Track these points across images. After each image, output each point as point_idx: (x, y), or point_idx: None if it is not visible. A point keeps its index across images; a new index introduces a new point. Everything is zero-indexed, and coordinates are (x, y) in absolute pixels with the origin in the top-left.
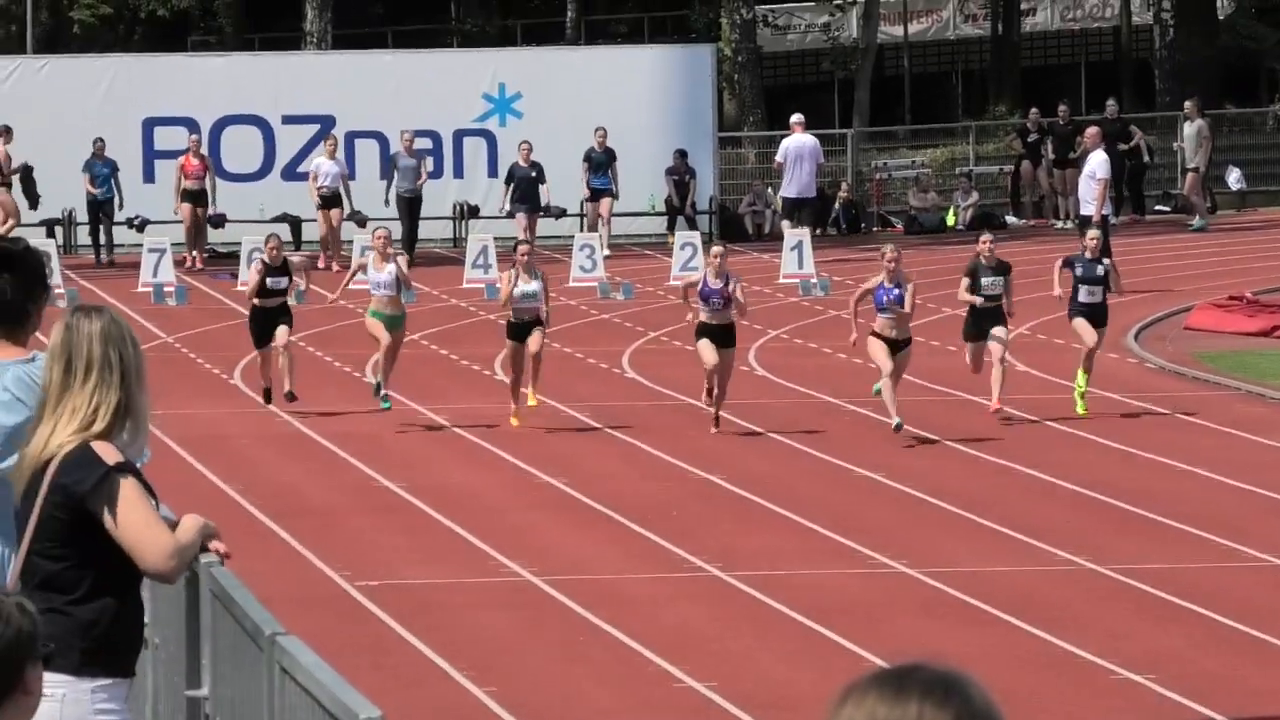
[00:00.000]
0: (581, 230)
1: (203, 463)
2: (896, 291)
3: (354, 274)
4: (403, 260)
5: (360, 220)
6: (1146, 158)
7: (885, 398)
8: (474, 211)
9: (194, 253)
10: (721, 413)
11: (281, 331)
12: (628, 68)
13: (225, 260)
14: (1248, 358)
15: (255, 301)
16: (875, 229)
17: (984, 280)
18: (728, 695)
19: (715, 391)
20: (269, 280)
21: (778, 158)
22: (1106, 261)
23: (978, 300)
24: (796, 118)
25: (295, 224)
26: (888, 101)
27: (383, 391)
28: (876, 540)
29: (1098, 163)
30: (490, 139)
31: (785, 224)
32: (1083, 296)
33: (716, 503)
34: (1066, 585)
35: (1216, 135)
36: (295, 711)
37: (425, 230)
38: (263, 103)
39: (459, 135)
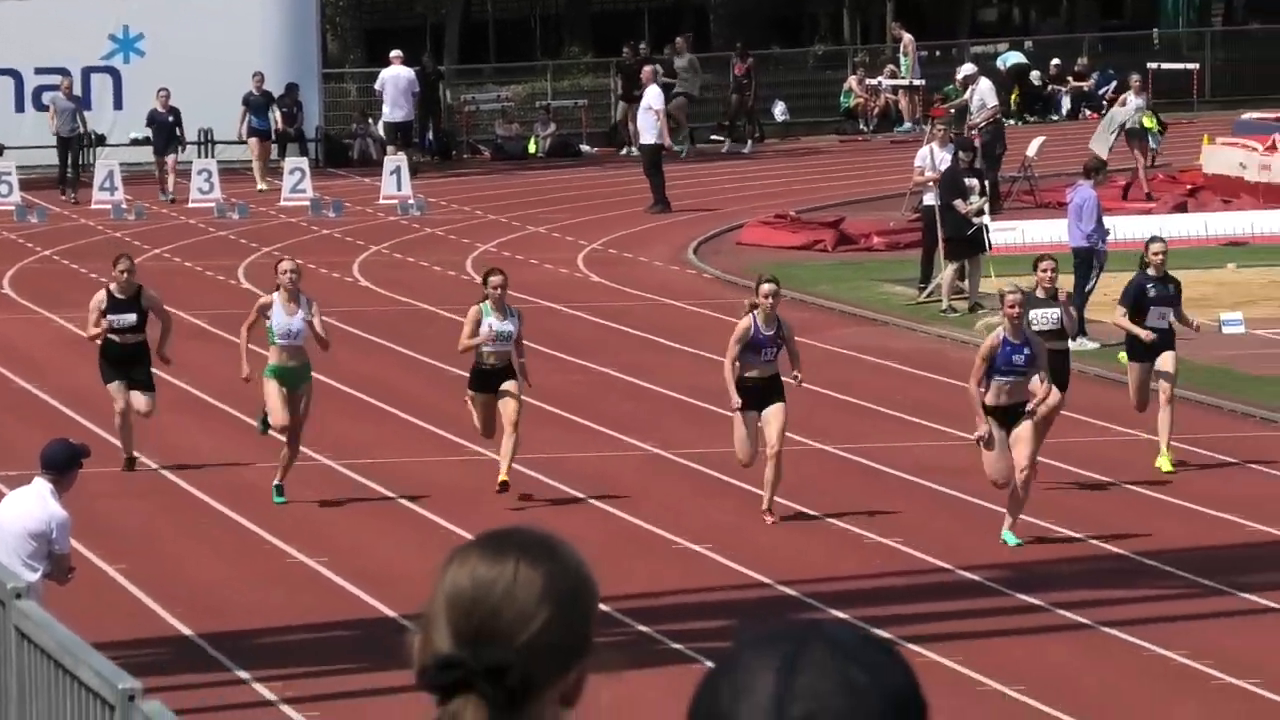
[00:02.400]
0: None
1: None
2: (1027, 352)
3: (254, 320)
4: (316, 307)
5: None
6: (695, 92)
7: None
8: (101, 140)
9: None
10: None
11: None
12: (241, 10)
13: None
14: (792, 269)
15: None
16: (465, 155)
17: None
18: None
19: (771, 475)
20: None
21: (377, 85)
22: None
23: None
24: (395, 53)
25: None
26: (475, 43)
27: (278, 484)
28: (467, 431)
29: (653, 96)
30: (116, 75)
31: (389, 149)
32: None
33: (330, 400)
34: (632, 467)
35: (763, 72)
36: (36, 672)
37: (54, 155)
38: None
39: (87, 72)
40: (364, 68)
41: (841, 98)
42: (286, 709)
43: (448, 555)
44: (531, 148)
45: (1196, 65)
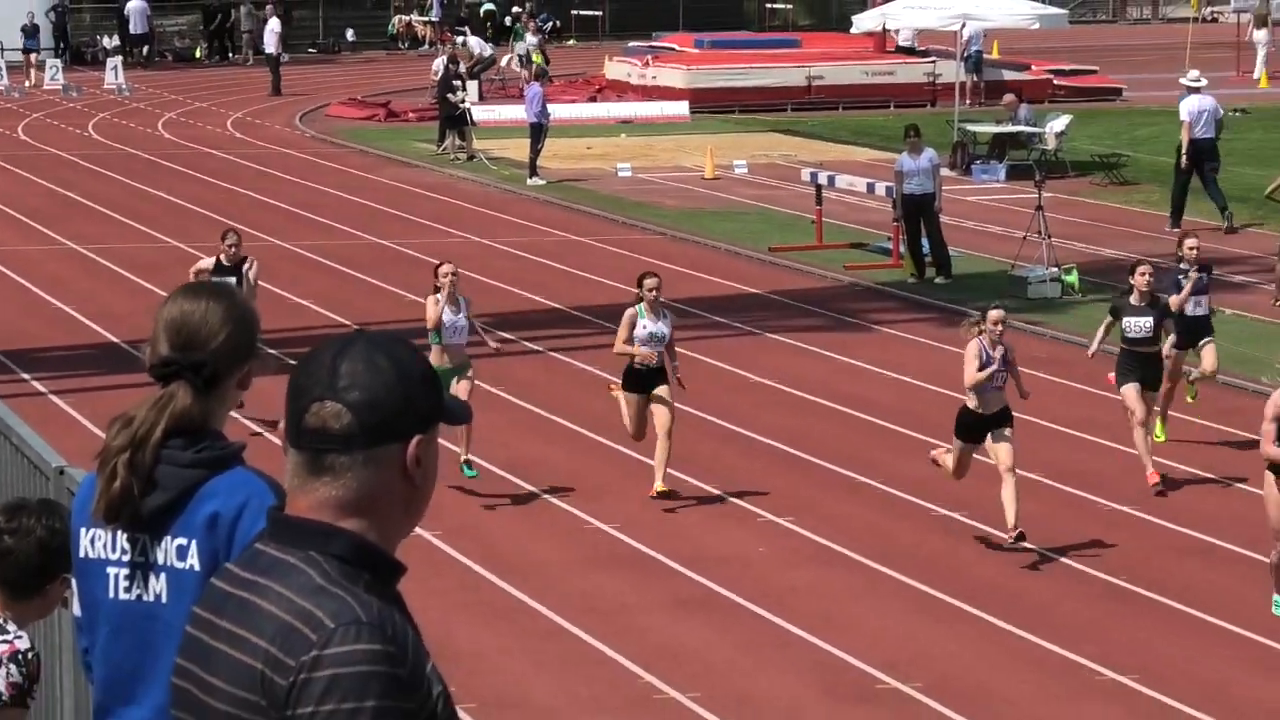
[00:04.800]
0: None
1: None
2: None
3: (438, 319)
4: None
5: None
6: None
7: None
8: None
9: None
10: None
11: None
12: None
13: None
14: (360, 132)
15: None
16: (156, 59)
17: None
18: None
19: (1013, 529)
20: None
21: (125, 12)
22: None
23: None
24: None
25: None
26: None
27: (465, 459)
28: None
29: (275, 23)
30: None
31: (112, 54)
32: None
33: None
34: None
35: (338, 8)
36: None
37: None
38: None
39: None
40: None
41: (389, 27)
42: None
43: (165, 299)
44: (196, 54)
45: (600, 11)
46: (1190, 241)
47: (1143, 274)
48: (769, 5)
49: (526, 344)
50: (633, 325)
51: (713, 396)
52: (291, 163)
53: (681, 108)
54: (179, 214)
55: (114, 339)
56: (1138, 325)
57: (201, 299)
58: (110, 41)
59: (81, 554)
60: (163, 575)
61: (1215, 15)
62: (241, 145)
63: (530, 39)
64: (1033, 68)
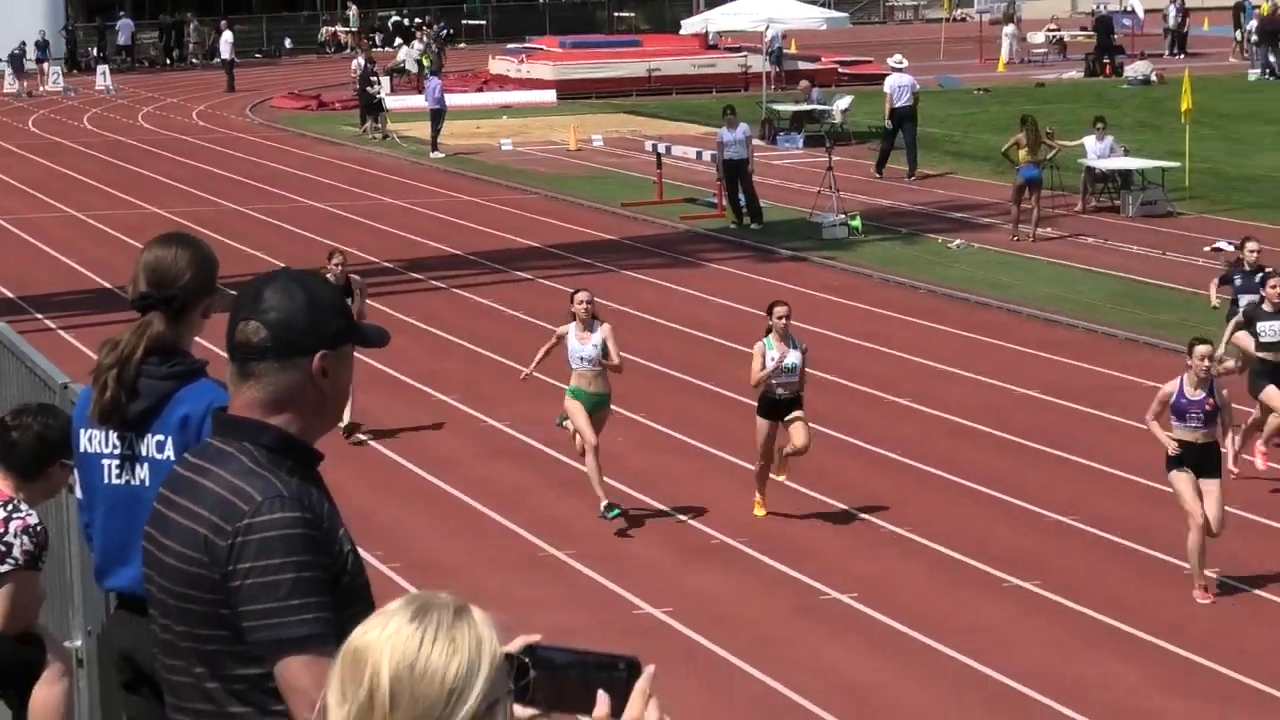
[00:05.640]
0: None
1: None
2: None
3: (551, 346)
4: (609, 330)
5: None
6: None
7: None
8: None
9: None
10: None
11: None
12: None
13: None
14: (298, 119)
15: None
16: (139, 63)
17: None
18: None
19: (1201, 557)
20: None
21: (117, 26)
22: None
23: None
24: (123, 14)
25: None
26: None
27: (606, 504)
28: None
29: (228, 36)
30: None
31: (102, 63)
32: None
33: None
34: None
35: (277, 25)
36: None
37: None
38: None
39: None
40: (86, 23)
41: (319, 35)
42: None
43: (143, 247)
44: (168, 60)
45: (485, 20)
46: (1252, 245)
47: (1273, 285)
48: (617, 14)
49: (434, 282)
50: (764, 355)
51: None
52: (244, 144)
53: (550, 95)
54: (157, 187)
55: (106, 285)
56: (1272, 329)
57: (172, 247)
58: (100, 51)
59: (81, 449)
60: (145, 465)
61: (964, 16)
62: (205, 132)
63: (418, 45)
64: (822, 59)
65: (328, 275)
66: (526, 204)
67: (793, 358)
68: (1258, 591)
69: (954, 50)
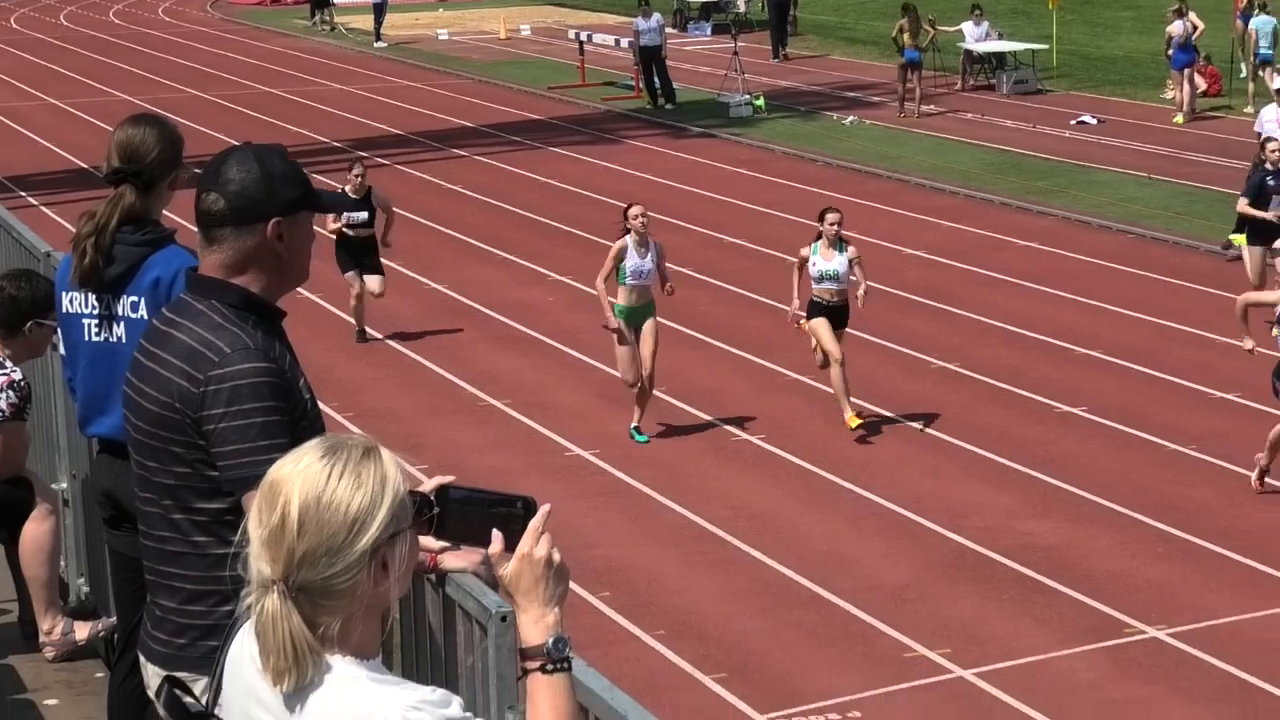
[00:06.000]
0: None
1: None
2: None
3: (613, 265)
4: (663, 250)
5: None
6: None
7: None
8: None
9: None
10: None
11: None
12: None
13: None
14: (253, 13)
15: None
16: None
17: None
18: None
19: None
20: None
21: None
22: None
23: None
24: None
25: None
26: None
27: (635, 425)
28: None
29: None
30: None
31: None
32: None
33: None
34: None
35: None
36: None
37: None
38: None
39: None
40: None
41: None
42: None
43: (115, 127)
44: None
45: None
46: (1273, 145)
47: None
48: None
49: (379, 159)
50: (805, 260)
51: (511, 192)
52: (206, 37)
53: None
54: (128, 76)
55: (84, 165)
56: None
57: (141, 126)
58: None
59: (63, 310)
60: (122, 323)
61: None
62: (170, 27)
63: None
64: None
65: (345, 187)
66: (462, 88)
67: (834, 266)
68: (1121, 426)
69: None
